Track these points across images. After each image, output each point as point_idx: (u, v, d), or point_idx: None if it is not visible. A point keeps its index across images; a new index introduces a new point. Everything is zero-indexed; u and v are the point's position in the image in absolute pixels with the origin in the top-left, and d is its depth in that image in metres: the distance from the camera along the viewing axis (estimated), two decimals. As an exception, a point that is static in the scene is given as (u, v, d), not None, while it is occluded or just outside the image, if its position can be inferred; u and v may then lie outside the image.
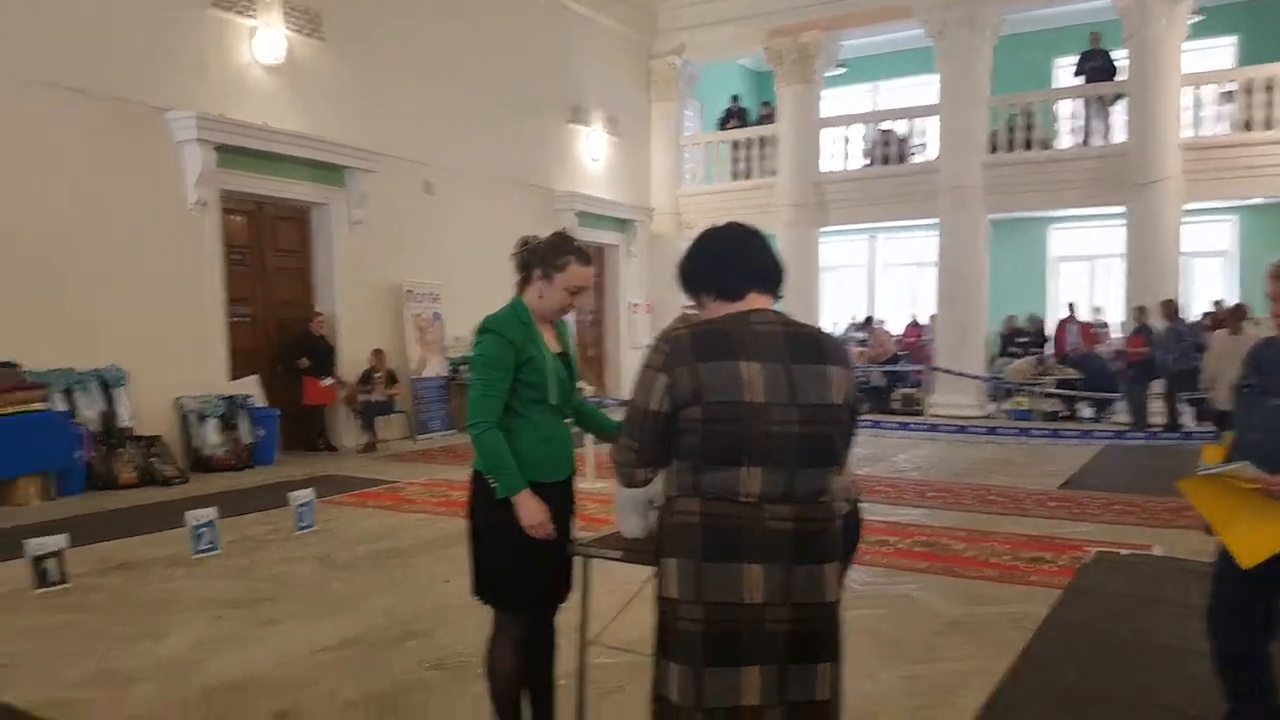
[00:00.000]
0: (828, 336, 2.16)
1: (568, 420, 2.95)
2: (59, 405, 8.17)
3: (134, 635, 4.39)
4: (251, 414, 9.71)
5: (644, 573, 3.00)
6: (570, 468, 2.95)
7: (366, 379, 11.10)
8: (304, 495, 6.73)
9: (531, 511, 2.71)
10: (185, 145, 9.28)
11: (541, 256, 2.83)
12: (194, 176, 9.33)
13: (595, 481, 7.60)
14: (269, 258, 10.74)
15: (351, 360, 11.14)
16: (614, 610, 3.29)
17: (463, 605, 4.83)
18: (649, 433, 2.04)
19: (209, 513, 6.03)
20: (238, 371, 10.03)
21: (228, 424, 9.46)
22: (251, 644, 4.28)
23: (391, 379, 11.26)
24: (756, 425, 1.95)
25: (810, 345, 2.05)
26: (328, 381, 10.74)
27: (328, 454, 10.69)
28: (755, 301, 2.10)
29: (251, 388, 10.04)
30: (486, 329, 2.79)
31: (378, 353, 11.20)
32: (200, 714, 3.49)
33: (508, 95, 13.52)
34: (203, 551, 5.87)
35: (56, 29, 8.34)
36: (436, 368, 12.31)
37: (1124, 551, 5.86)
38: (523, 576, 2.80)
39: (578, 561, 2.89)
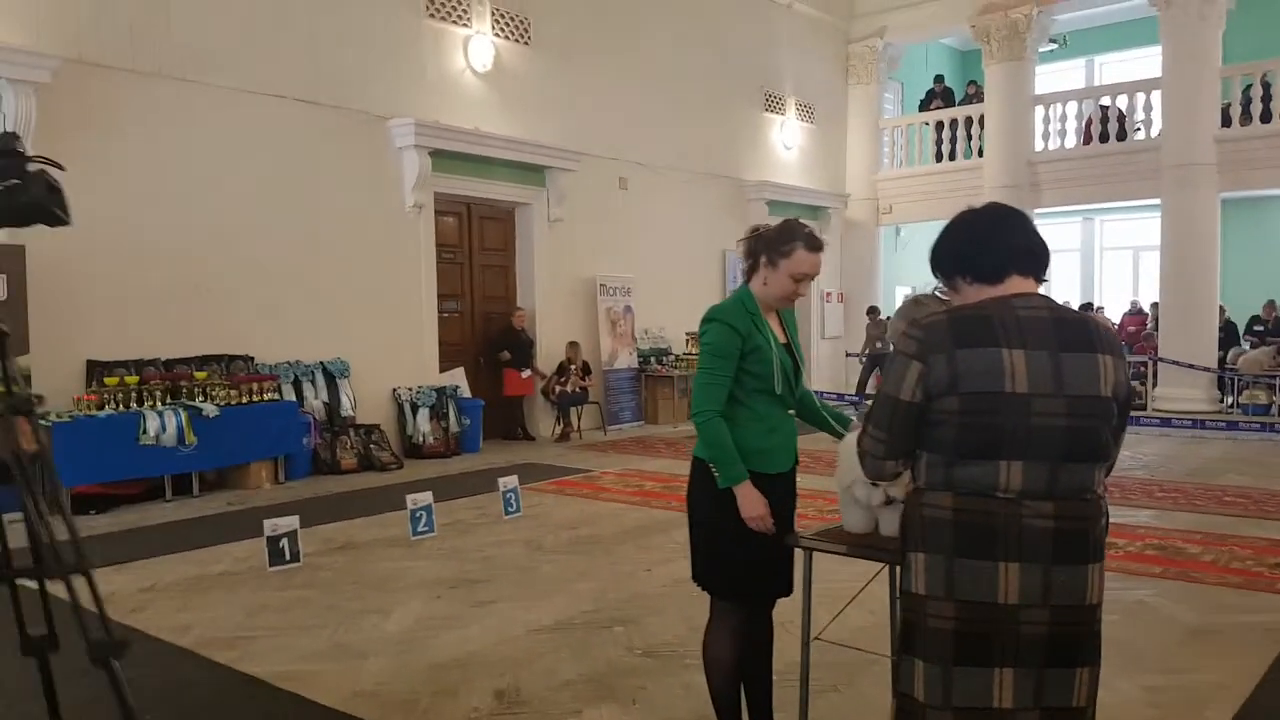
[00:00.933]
0: (1099, 323, 1.97)
1: (791, 411, 2.88)
2: (289, 395, 8.86)
3: (361, 611, 4.65)
4: (459, 404, 10.21)
5: (869, 568, 2.89)
6: (793, 459, 2.87)
7: (562, 371, 11.42)
8: (510, 481, 6.98)
9: (752, 503, 2.66)
10: (405, 151, 9.85)
11: (768, 243, 2.77)
12: (412, 180, 9.89)
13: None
14: (476, 256, 11.25)
15: (548, 353, 11.50)
16: (836, 606, 3.16)
17: (666, 593, 4.87)
18: (900, 423, 1.93)
19: (425, 497, 6.35)
20: (446, 364, 10.57)
21: (438, 413, 9.99)
22: (470, 623, 4.45)
23: (585, 370, 11.53)
24: (1018, 417, 1.82)
25: (1080, 332, 1.89)
26: (526, 373, 11.14)
27: (526, 442, 11.08)
28: (1017, 285, 1.94)
29: (459, 379, 10.56)
30: (712, 318, 2.76)
31: (572, 345, 11.50)
32: (429, 689, 3.64)
33: (701, 87, 13.55)
34: (420, 534, 6.18)
35: (287, 44, 9.03)
36: (627, 360, 12.51)
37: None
38: (739, 566, 2.75)
39: (799, 555, 2.79)
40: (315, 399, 9.19)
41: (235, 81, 8.59)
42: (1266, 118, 12.98)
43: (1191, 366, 12.92)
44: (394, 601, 4.81)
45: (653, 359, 12.86)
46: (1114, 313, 17.24)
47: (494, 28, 10.82)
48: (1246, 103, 13.12)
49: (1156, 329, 14.17)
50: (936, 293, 2.44)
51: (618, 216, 12.37)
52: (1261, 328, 14.11)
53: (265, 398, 8.41)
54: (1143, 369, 13.47)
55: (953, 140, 15.89)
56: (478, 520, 6.77)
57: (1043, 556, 1.84)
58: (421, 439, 9.83)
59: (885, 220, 16.78)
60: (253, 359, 8.76)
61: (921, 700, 1.90)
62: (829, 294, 16.18)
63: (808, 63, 15.62)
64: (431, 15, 10.23)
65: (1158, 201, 13.71)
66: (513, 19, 11.03)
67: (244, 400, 8.21)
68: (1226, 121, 13.20)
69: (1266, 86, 12.99)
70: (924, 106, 16.83)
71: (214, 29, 8.46)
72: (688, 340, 13.19)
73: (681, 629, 4.27)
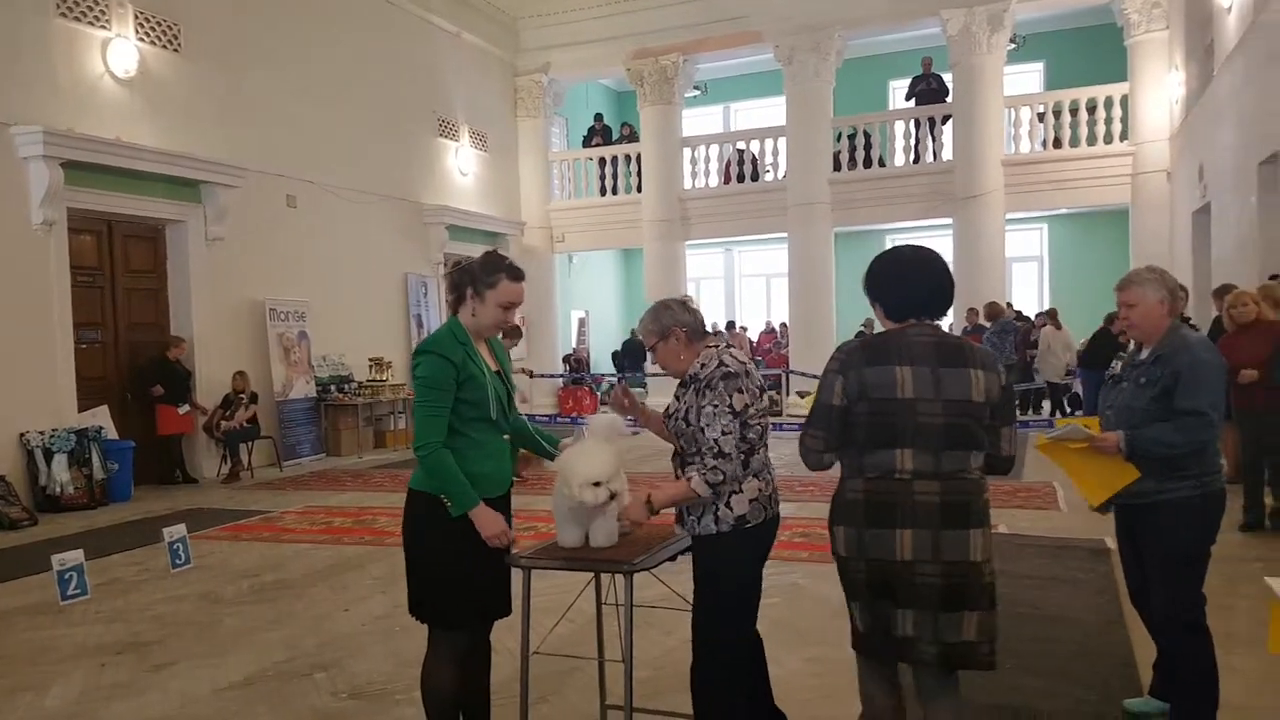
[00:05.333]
0: (974, 346, 2.65)
1: (506, 436, 3.03)
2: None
3: (11, 689, 4.11)
4: (104, 447, 9.13)
5: (572, 580, 3.12)
6: (509, 482, 3.02)
7: (227, 403, 10.62)
8: (178, 530, 6.42)
9: (490, 522, 2.80)
10: (30, 162, 8.70)
11: (473, 276, 2.89)
12: (39, 195, 8.75)
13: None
14: (120, 279, 10.13)
15: (211, 384, 10.64)
16: (541, 620, 3.35)
17: (366, 631, 4.81)
18: (834, 422, 2.58)
19: (76, 555, 5.65)
20: (87, 401, 9.42)
21: (78, 459, 8.86)
22: (146, 689, 4.09)
23: (254, 401, 10.80)
24: (907, 416, 2.50)
25: (956, 353, 2.58)
26: (184, 408, 10.21)
27: (188, 486, 10.15)
28: (914, 321, 2.63)
29: (103, 418, 9.43)
30: (425, 349, 2.85)
31: (240, 374, 10.72)
32: (107, 766, 3.33)
33: (374, 108, 13.31)
34: (71, 597, 5.51)
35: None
36: (304, 389, 11.91)
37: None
38: (463, 592, 2.85)
39: (516, 574, 2.96)
40: (-84, 449, 7.83)
41: None
42: (868, 163, 15.34)
43: (816, 376, 14.79)
44: (50, 675, 4.29)
45: (333, 387, 12.32)
46: (753, 331, 19.29)
47: (137, 32, 9.90)
48: (852, 150, 15.40)
49: (787, 344, 16.14)
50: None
51: (288, 237, 11.76)
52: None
53: None
54: (776, 380, 15.22)
55: (614, 176, 17.01)
56: (140, 577, 6.15)
57: (932, 523, 2.48)
58: (59, 489, 8.67)
59: (559, 248, 17.53)
60: None
61: (858, 626, 2.63)
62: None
63: (479, 92, 15.92)
64: (63, 15, 9.16)
65: (785, 235, 15.73)
66: (159, 23, 10.17)
67: None
68: (838, 166, 15.40)
69: (867, 136, 15.35)
70: (586, 143, 17.83)
71: None
72: (370, 366, 12.84)
73: (387, 666, 4.26)
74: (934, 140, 15.17)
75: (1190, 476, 3.09)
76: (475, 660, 3.00)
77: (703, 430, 2.79)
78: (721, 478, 2.77)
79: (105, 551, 6.81)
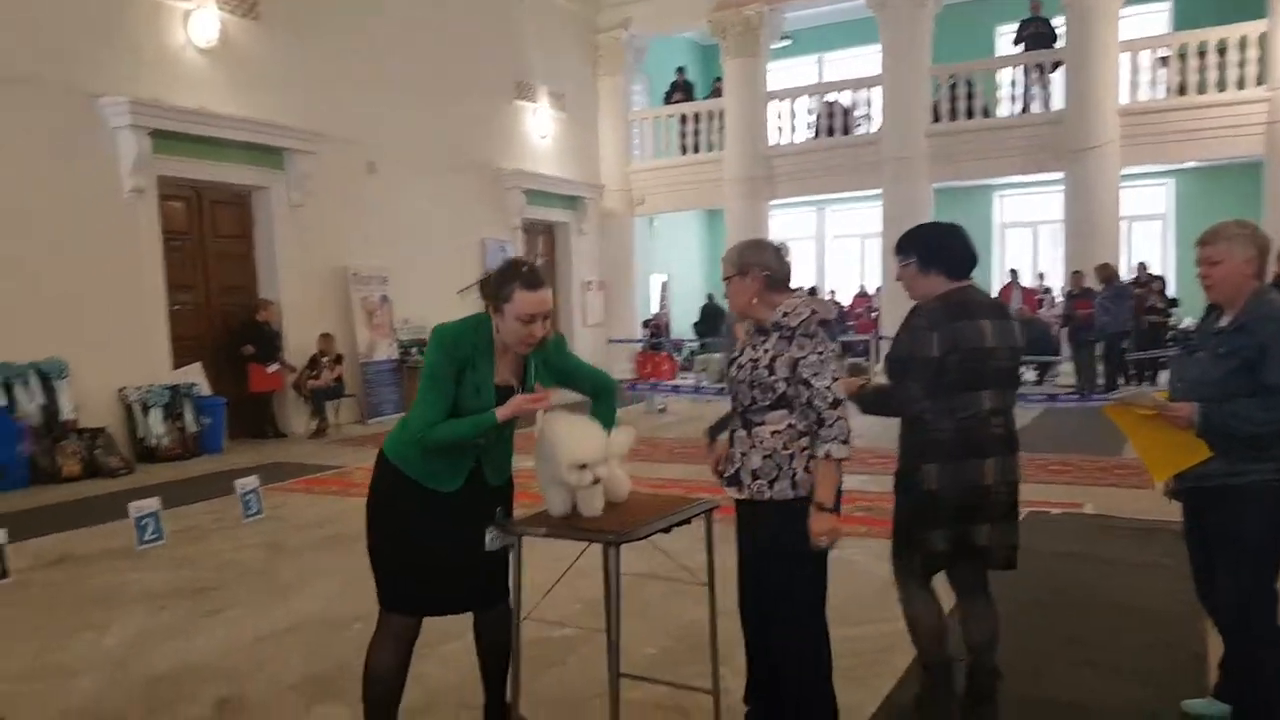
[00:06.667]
0: (1006, 301, 2.95)
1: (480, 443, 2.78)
2: (-2, 400, 8.04)
3: (75, 628, 4.37)
4: (196, 402, 9.61)
5: (567, 548, 3.06)
6: (501, 476, 2.86)
7: (314, 364, 11.01)
8: (249, 482, 6.71)
9: (513, 404, 2.66)
10: (119, 132, 9.10)
11: (491, 291, 2.67)
12: (129, 163, 9.16)
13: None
14: (209, 243, 10.57)
15: (299, 345, 11.04)
16: (546, 585, 3.33)
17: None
18: (929, 373, 2.89)
19: (152, 503, 5.98)
20: (181, 360, 9.90)
21: (172, 413, 9.35)
22: (196, 634, 4.29)
23: (339, 362, 11.17)
24: (989, 363, 2.94)
25: (1002, 308, 3.16)
26: (273, 367, 10.64)
27: (277, 441, 10.60)
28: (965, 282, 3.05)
29: (196, 376, 9.92)
30: (435, 333, 2.70)
31: (325, 336, 11.11)
32: (143, 704, 3.50)
33: (452, 73, 13.39)
34: (148, 543, 5.83)
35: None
36: (387, 351, 12.24)
37: (1055, 511, 6.06)
38: (413, 576, 2.74)
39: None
40: (30, 403, 8.37)
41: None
42: (970, 114, 14.59)
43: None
44: (113, 616, 4.54)
45: (414, 349, 12.62)
46: (844, 296, 18.76)
47: (218, 1, 10.18)
48: (953, 100, 14.67)
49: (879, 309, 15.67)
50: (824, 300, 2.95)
51: (368, 203, 12.02)
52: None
53: (-33, 404, 7.59)
54: (865, 346, 14.82)
55: (696, 133, 16.68)
56: (214, 525, 6.46)
57: (1001, 451, 2.96)
58: (155, 441, 9.18)
59: (639, 211, 17.34)
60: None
61: (933, 549, 2.99)
62: (589, 283, 16.58)
63: (557, 52, 15.81)
64: (145, -13, 9.51)
65: (879, 191, 15.07)
66: (240, -7, 10.45)
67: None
68: (936, 117, 14.72)
69: (970, 85, 14.60)
70: (668, 99, 17.50)
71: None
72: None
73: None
74: (1043, 88, 14.32)
75: (1270, 459, 2.77)
76: (493, 623, 2.90)
77: (807, 383, 2.70)
78: (848, 430, 2.70)
79: (187, 500, 7.18)
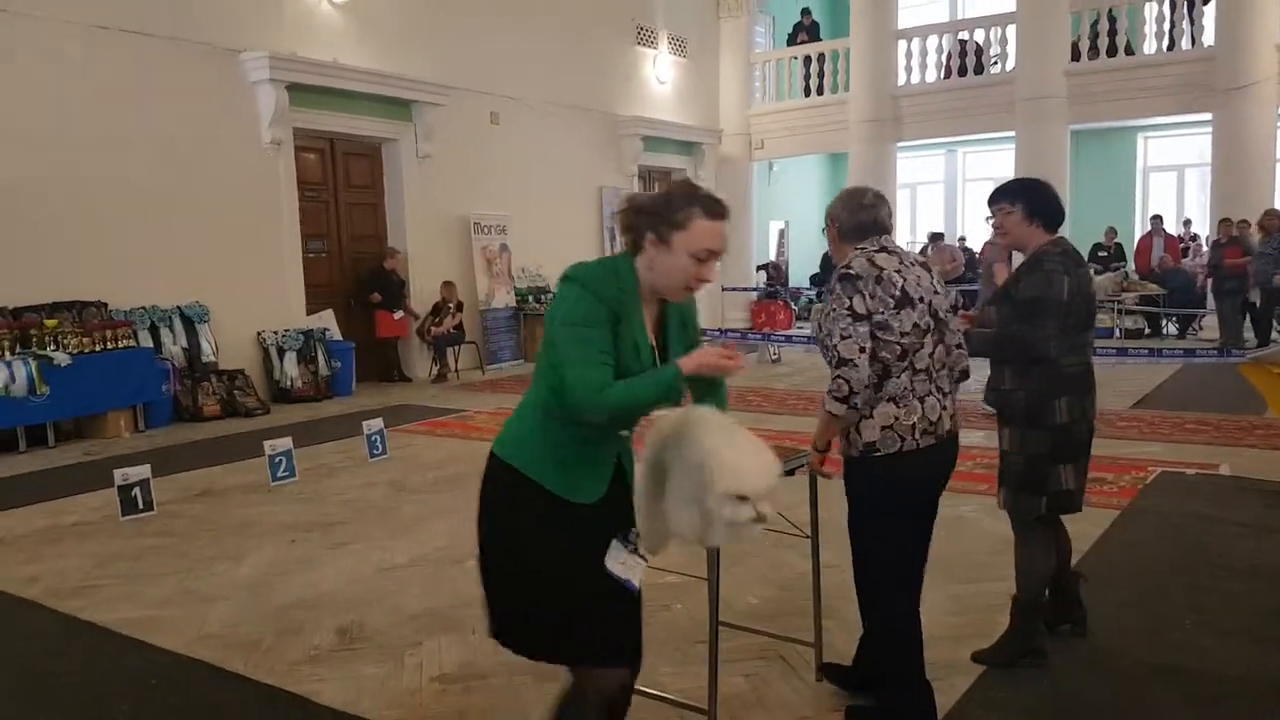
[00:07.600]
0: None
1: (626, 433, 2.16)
2: (145, 342, 8.60)
3: (213, 558, 4.69)
4: (328, 347, 10.08)
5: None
6: (606, 486, 2.13)
7: (437, 311, 11.36)
8: (375, 424, 7.01)
9: (700, 356, 2.00)
10: (259, 85, 9.50)
11: (653, 215, 2.03)
12: (268, 116, 9.57)
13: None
14: (342, 194, 10.99)
15: (422, 292, 11.40)
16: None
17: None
18: (1061, 315, 3.03)
19: (285, 442, 6.33)
20: (314, 306, 10.39)
21: (306, 357, 9.85)
22: (323, 565, 4.54)
23: (460, 309, 11.49)
24: (1093, 305, 3.22)
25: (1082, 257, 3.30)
26: (399, 315, 11.04)
27: (402, 384, 11.04)
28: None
29: (328, 321, 10.40)
30: (570, 278, 2.02)
31: (447, 285, 11.43)
32: (273, 629, 3.74)
33: (572, 19, 13.38)
34: (280, 479, 6.19)
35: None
36: (505, 299, 12.50)
37: (1190, 471, 5.72)
38: (565, 610, 2.08)
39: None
40: (174, 345, 8.95)
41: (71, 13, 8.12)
42: (1112, 52, 13.65)
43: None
44: (248, 547, 4.85)
45: (530, 298, 12.85)
46: (975, 243, 17.99)
47: (350, -45, 10.43)
48: (1094, 37, 13.74)
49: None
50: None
51: (491, 152, 12.21)
52: (1105, 253, 15.05)
53: (120, 345, 8.16)
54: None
55: (820, 75, 16.17)
56: (342, 464, 6.79)
57: (1092, 390, 3.19)
58: (289, 383, 9.70)
59: (758, 156, 16.99)
60: (106, 305, 8.46)
61: (1066, 486, 3.13)
62: (705, 229, 16.39)
63: (679, -6, 15.54)
64: (280, -56, 9.80)
65: (1012, 134, 14.32)
66: (370, -53, 10.66)
67: (97, 348, 7.96)
68: (1076, 55, 13.82)
69: (1112, 21, 13.64)
70: (791, 40, 17.00)
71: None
72: (566, 277, 13.22)
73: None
74: (1192, 24, 13.24)
75: None
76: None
77: (828, 339, 2.62)
78: (847, 389, 2.53)
79: (319, 439, 7.57)
